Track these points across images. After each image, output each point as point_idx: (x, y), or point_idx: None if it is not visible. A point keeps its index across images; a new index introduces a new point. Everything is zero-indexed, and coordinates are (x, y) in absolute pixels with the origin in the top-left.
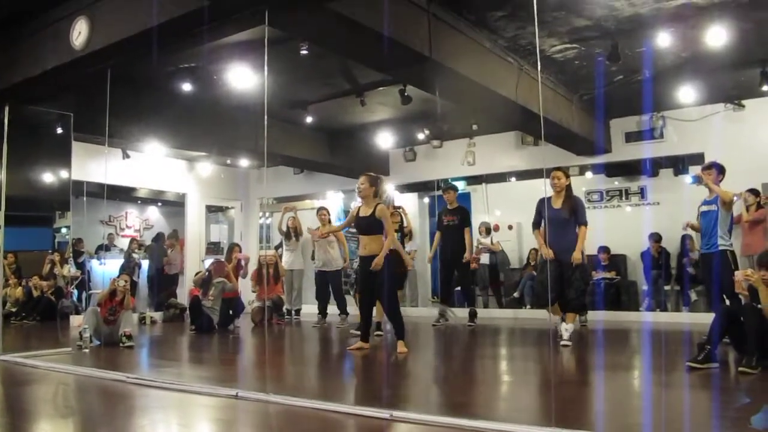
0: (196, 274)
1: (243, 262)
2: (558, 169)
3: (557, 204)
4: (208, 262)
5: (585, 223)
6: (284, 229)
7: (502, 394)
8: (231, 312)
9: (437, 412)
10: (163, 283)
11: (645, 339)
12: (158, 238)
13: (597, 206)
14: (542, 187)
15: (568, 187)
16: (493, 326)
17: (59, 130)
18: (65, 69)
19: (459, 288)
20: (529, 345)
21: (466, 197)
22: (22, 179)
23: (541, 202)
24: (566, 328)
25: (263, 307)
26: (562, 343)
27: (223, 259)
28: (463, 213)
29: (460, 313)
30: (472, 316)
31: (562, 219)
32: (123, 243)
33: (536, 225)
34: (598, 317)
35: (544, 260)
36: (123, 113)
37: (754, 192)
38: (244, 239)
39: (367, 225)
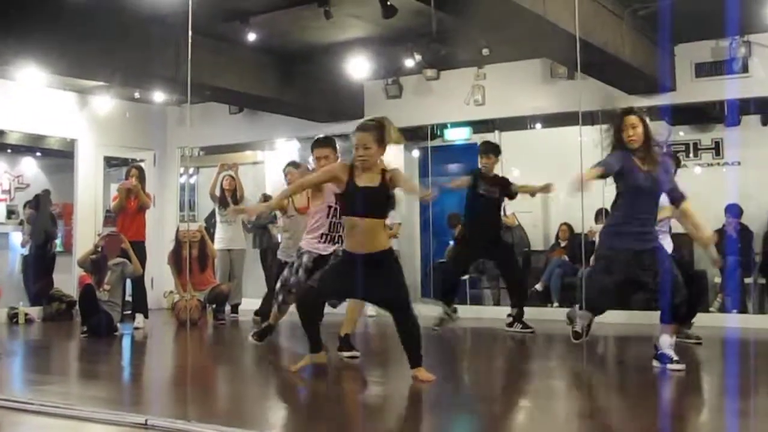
0: None
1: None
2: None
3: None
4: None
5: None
6: (218, 193)
7: None
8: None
9: None
10: (43, 266)
11: (721, 350)
12: (39, 201)
13: None
14: (577, 138)
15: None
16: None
17: None
18: None
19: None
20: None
21: (471, 150)
22: None
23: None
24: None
25: (201, 300)
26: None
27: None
28: (504, 183)
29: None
30: (518, 318)
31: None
32: None
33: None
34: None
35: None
36: None
37: None
38: (158, 206)
39: (375, 200)
